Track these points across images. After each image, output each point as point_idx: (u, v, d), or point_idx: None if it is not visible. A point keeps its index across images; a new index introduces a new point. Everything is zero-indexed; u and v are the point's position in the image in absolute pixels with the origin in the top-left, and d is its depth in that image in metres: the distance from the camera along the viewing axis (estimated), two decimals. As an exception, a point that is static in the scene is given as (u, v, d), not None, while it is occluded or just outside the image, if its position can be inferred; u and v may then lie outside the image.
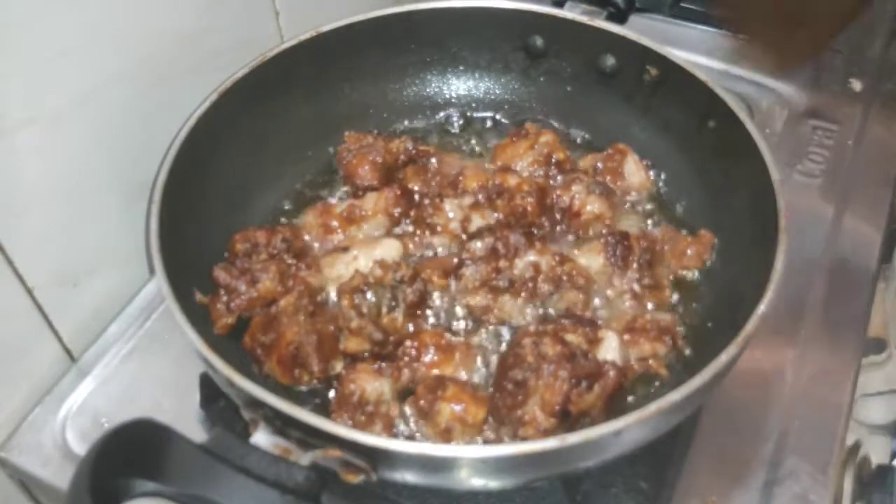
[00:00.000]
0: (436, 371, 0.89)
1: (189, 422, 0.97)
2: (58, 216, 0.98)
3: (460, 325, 0.96)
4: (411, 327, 0.93)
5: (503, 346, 0.93)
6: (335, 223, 1.02)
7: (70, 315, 1.04)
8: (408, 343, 0.90)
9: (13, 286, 0.95)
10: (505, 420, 0.82)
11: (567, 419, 0.80)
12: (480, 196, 1.04)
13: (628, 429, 0.71)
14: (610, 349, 0.88)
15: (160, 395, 1.02)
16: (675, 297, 0.99)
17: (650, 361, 0.91)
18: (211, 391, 0.93)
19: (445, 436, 0.84)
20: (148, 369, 1.05)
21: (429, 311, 0.95)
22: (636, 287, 0.96)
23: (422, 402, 0.85)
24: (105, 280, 1.07)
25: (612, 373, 0.82)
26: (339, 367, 0.89)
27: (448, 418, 0.84)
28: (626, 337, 0.92)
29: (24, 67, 0.87)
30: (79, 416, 1.01)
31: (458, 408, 0.84)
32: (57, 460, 0.97)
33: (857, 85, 1.38)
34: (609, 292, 0.97)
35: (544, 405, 0.79)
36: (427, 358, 0.89)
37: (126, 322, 1.10)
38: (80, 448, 0.98)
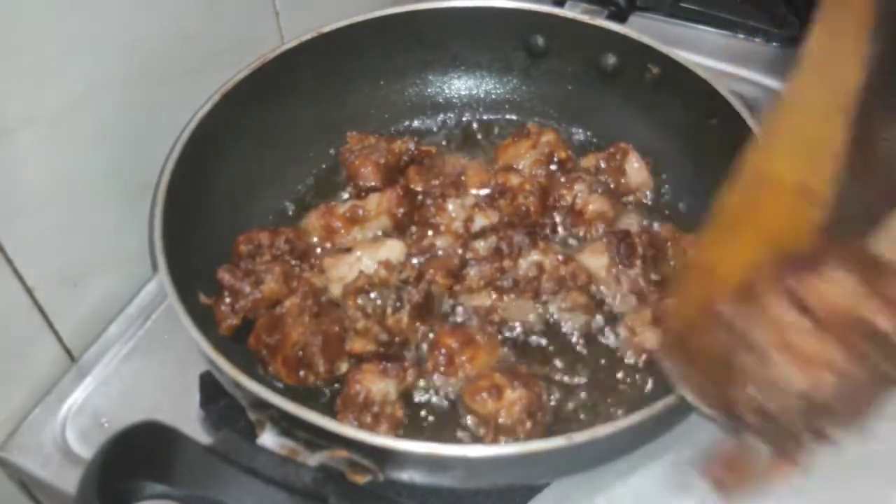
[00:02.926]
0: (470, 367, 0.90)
1: (189, 422, 0.97)
2: (58, 216, 0.97)
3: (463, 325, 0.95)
4: (426, 337, 0.93)
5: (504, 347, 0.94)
6: (338, 224, 1.02)
7: (70, 315, 1.03)
8: (436, 352, 0.90)
9: (13, 286, 0.94)
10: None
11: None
12: (483, 195, 1.04)
13: (635, 426, 0.71)
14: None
15: (160, 395, 1.01)
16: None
17: None
18: (211, 391, 0.93)
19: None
20: (148, 369, 1.04)
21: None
22: (642, 284, 0.96)
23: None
24: (105, 280, 1.07)
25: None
26: (344, 367, 0.89)
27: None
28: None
29: (24, 67, 0.87)
30: (79, 416, 1.00)
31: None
32: (57, 460, 0.96)
33: (857, 85, 1.38)
34: (615, 290, 0.97)
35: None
36: (460, 359, 0.90)
37: (126, 322, 1.09)
38: (81, 448, 0.97)
